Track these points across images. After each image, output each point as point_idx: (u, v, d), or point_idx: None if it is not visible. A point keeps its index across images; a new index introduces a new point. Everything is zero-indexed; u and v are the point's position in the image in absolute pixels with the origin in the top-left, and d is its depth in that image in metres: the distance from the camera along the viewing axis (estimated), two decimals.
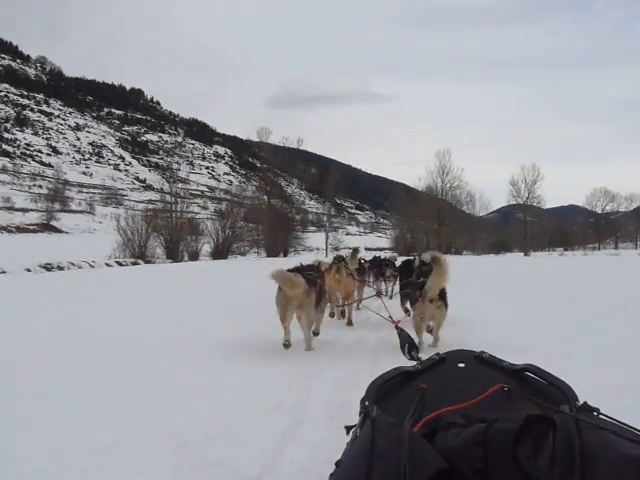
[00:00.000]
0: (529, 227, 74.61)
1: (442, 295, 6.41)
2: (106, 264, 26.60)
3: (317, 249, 56.33)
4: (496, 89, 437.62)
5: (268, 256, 53.57)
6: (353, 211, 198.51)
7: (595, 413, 1.21)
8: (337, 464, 1.19)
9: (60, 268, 22.29)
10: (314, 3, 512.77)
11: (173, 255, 39.45)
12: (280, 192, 73.47)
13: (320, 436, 3.31)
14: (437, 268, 6.33)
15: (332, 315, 8.72)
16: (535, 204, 76.04)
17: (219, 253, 43.95)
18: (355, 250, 10.98)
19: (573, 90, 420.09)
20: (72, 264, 23.45)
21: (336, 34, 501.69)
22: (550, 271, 24.47)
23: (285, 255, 54.76)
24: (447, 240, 70.89)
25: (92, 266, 24.74)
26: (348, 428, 1.46)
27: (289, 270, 6.39)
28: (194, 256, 41.77)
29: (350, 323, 8.40)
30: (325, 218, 78.28)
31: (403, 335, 2.98)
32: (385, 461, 1.00)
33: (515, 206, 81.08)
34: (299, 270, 6.65)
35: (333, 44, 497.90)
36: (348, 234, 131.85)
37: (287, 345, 6.09)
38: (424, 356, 1.89)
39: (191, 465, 3.01)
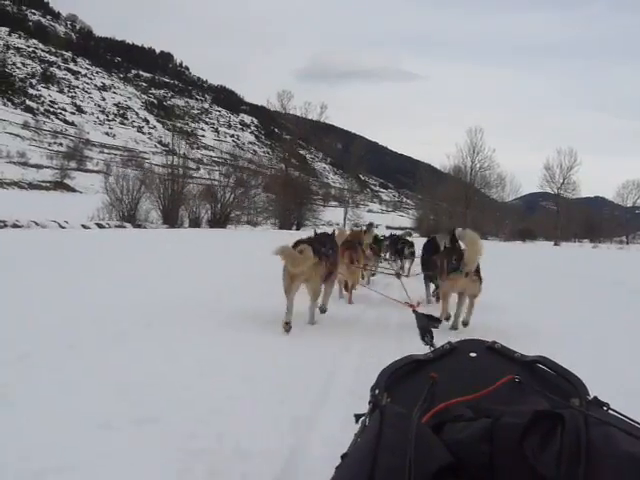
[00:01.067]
0: (561, 216, 70.71)
1: (477, 270, 6.31)
2: (82, 226, 23.90)
3: (336, 224, 54.31)
4: (528, 75, 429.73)
5: (281, 228, 51.92)
6: (377, 189, 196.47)
7: (605, 408, 1.21)
8: (343, 457, 1.16)
9: (17, 226, 19.94)
10: None
11: (170, 220, 37.21)
12: (300, 163, 71.96)
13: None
14: (471, 242, 6.25)
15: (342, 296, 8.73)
16: (570, 191, 71.84)
17: (216, 221, 41.39)
18: (370, 225, 11.08)
19: (604, 80, 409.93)
20: (35, 223, 21.14)
21: (369, 9, 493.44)
22: (596, 265, 22.26)
23: (298, 228, 52.85)
24: (473, 224, 67.67)
25: (62, 227, 22.25)
26: (357, 417, 1.43)
27: (302, 241, 6.33)
28: (196, 222, 39.71)
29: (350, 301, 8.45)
30: (346, 193, 75.70)
31: (421, 318, 2.57)
32: (391, 454, 0.99)
33: (540, 194, 77.61)
34: (311, 241, 6.49)
35: (365, 20, 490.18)
36: (370, 211, 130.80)
37: (287, 328, 5.78)
38: (442, 341, 1.80)
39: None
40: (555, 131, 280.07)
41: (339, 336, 5.81)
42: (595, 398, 1.27)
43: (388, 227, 67.88)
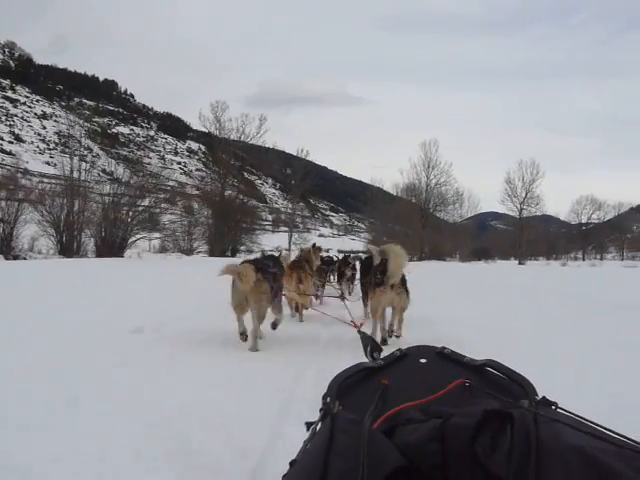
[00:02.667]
0: (524, 233, 69.07)
1: (403, 282, 6.53)
2: None
3: (277, 249, 51.35)
4: (477, 98, 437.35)
5: (211, 255, 48.53)
6: (327, 213, 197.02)
7: (553, 407, 1.26)
8: (291, 464, 1.18)
9: None
10: (294, 5, 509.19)
11: (68, 249, 33.07)
12: (248, 187, 69.64)
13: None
14: (393, 255, 6.31)
15: (293, 315, 9.12)
16: (533, 205, 70.12)
17: (105, 248, 34.71)
18: (314, 246, 11.03)
19: (548, 101, 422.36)
20: None
21: (316, 37, 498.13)
22: (587, 285, 20.95)
23: (233, 255, 49.12)
24: (430, 245, 66.06)
25: None
26: (308, 425, 1.44)
27: (247, 261, 6.50)
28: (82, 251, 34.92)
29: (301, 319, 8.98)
30: (284, 217, 74.71)
31: (366, 337, 2.64)
32: (343, 459, 1.00)
33: (489, 214, 76.93)
34: (255, 261, 6.66)
35: (313, 47, 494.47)
36: (321, 235, 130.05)
37: (244, 339, 6.23)
38: (384, 353, 1.90)
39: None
40: (505, 150, 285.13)
41: (298, 353, 6.12)
42: (544, 398, 1.32)
43: (340, 251, 66.45)
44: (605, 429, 1.06)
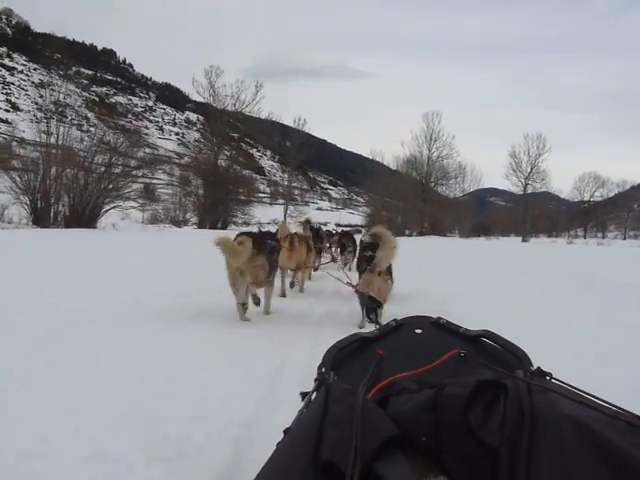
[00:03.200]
0: (528, 209, 66.25)
1: (389, 269, 6.52)
2: None
3: (273, 222, 49.89)
4: (477, 73, 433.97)
5: (200, 227, 46.91)
6: (326, 186, 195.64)
7: (547, 377, 1.27)
8: (285, 432, 1.19)
9: None
10: None
11: (42, 219, 30.22)
12: (246, 160, 67.72)
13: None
14: (384, 243, 6.35)
15: (292, 285, 9.00)
16: (539, 181, 67.05)
17: (74, 219, 30.99)
18: (307, 221, 11.51)
19: (547, 77, 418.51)
20: None
21: (316, 8, 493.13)
22: (602, 264, 19.55)
23: (224, 227, 47.45)
24: (431, 219, 64.20)
25: None
26: (303, 395, 1.46)
27: (244, 233, 6.32)
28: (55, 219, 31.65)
29: (301, 290, 9.07)
30: (281, 190, 71.65)
31: (363, 297, 2.82)
32: (337, 428, 1.01)
33: (488, 190, 75.47)
34: (253, 234, 6.46)
35: (312, 18, 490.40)
36: (319, 209, 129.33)
37: (244, 309, 6.14)
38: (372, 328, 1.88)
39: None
40: (504, 126, 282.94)
41: (293, 327, 6.03)
42: (538, 368, 1.33)
43: (338, 224, 65.82)
44: (599, 399, 1.06)
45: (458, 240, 49.96)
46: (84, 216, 31.56)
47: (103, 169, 33.42)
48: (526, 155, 65.39)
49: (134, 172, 37.54)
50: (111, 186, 33.07)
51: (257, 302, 6.69)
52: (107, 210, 33.76)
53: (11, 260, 11.92)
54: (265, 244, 6.51)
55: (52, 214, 31.36)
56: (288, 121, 65.54)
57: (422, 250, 20.33)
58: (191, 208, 53.42)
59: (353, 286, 6.01)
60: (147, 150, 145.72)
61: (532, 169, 65.67)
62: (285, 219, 54.07)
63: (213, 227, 46.54)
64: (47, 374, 3.98)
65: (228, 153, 57.38)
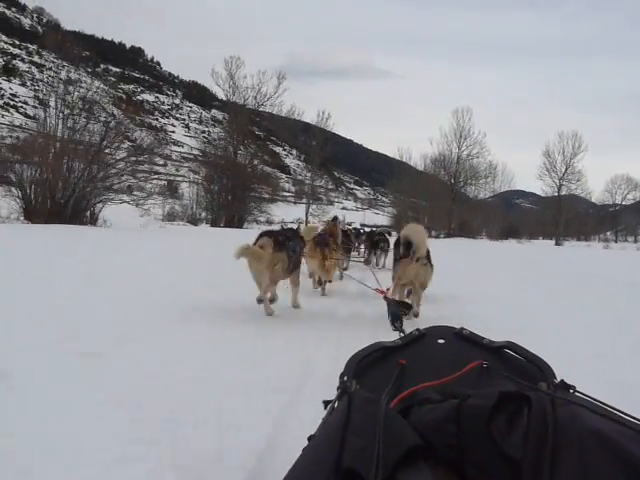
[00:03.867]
0: (563, 212, 62.52)
1: (428, 257, 6.59)
2: None
3: (291, 221, 47.33)
4: (507, 75, 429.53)
5: (214, 225, 45.52)
6: (351, 186, 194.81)
7: (571, 390, 1.25)
8: (309, 438, 1.20)
9: None
10: None
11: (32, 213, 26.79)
12: (272, 158, 65.91)
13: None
14: (413, 230, 6.57)
15: (320, 285, 8.89)
16: (574, 181, 63.64)
17: (52, 213, 26.78)
18: (335, 218, 11.20)
19: (578, 79, 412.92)
20: None
21: (346, 8, 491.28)
22: None
23: (240, 226, 45.60)
24: (459, 221, 61.39)
25: None
26: (326, 403, 1.46)
27: (265, 234, 6.47)
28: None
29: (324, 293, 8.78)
30: (307, 188, 67.07)
31: (391, 305, 2.69)
32: (359, 437, 1.01)
33: (514, 192, 72.57)
34: (274, 234, 6.58)
35: (340, 17, 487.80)
36: (344, 208, 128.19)
37: (268, 304, 6.30)
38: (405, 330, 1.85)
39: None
40: (532, 129, 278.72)
41: (316, 328, 5.88)
42: (562, 381, 1.31)
43: (363, 224, 64.72)
44: (624, 413, 1.04)
45: (488, 243, 47.88)
46: (76, 209, 27.92)
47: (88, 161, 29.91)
48: (561, 154, 63.06)
49: (129, 161, 33.43)
50: (101, 174, 29.33)
51: (296, 306, 7.04)
52: (95, 203, 29.85)
53: None
54: (286, 242, 6.55)
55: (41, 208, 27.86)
56: (313, 119, 62.36)
57: (451, 254, 18.93)
58: (204, 205, 51.37)
59: (382, 292, 5.55)
60: (173, 148, 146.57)
61: (567, 169, 62.91)
62: (307, 218, 52.91)
63: (229, 225, 45.04)
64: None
65: (248, 149, 55.18)
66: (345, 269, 10.68)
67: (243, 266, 6.17)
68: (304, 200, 71.47)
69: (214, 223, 47.17)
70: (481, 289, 9.50)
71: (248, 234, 7.38)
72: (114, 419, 3.08)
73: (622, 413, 1.04)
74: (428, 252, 6.65)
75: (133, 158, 33.97)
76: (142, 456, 2.66)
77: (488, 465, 1.02)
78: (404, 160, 70.10)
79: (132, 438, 2.83)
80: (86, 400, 3.33)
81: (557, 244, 56.06)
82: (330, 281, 8.97)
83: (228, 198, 48.79)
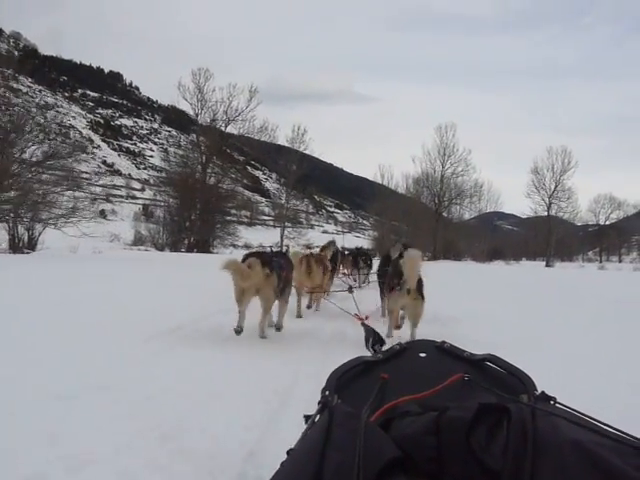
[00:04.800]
0: (553, 232, 60.19)
1: (419, 287, 6.40)
2: None
3: (266, 246, 44.45)
4: (484, 97, 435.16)
5: (161, 249, 42.28)
6: (332, 209, 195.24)
7: (552, 402, 1.27)
8: (288, 452, 1.20)
9: None
10: (300, 2, 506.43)
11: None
12: (253, 182, 63.57)
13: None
14: (408, 258, 6.31)
15: (309, 307, 9.22)
16: (564, 199, 60.48)
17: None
18: (331, 242, 11.58)
19: (554, 102, 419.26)
20: None
21: (323, 34, 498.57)
22: None
23: (206, 250, 42.19)
24: (444, 242, 59.13)
25: None
26: (307, 417, 1.44)
27: (252, 254, 6.45)
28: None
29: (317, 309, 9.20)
30: (283, 210, 60.91)
31: (369, 330, 2.67)
32: (340, 451, 1.01)
33: (494, 213, 70.53)
34: (261, 255, 6.56)
35: (319, 44, 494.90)
36: (325, 232, 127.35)
37: (239, 331, 6.03)
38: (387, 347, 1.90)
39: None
40: (513, 151, 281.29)
41: (299, 347, 5.98)
42: (542, 393, 1.33)
43: (344, 248, 63.31)
44: (604, 424, 1.05)
45: (475, 265, 45.44)
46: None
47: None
48: (550, 171, 60.19)
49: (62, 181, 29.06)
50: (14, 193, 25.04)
51: (279, 328, 6.75)
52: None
53: None
54: (274, 263, 6.43)
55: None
56: (288, 136, 56.80)
57: (442, 278, 17.07)
58: (168, 228, 46.86)
59: (360, 318, 5.84)
60: (151, 172, 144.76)
61: (556, 186, 60.10)
62: (282, 241, 49.55)
63: (190, 249, 42.66)
64: None
65: (215, 169, 51.07)
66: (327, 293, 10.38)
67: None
68: (287, 224, 69.14)
69: (174, 247, 43.72)
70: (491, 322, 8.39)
71: (212, 262, 7.18)
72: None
73: (602, 424, 1.04)
74: (421, 282, 6.47)
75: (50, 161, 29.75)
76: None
77: (468, 477, 1.01)
78: (385, 183, 66.83)
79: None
80: None
81: (548, 265, 54.38)
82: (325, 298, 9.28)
83: (191, 218, 46.30)
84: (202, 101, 49.38)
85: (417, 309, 6.39)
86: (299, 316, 8.48)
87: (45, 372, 4.51)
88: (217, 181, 48.88)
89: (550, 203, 60.49)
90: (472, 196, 63.36)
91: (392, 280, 6.72)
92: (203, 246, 43.77)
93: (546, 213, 61.40)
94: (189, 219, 45.58)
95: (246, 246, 48.41)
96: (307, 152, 57.55)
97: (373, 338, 2.34)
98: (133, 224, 40.26)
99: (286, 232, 54.38)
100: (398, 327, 6.80)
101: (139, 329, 6.39)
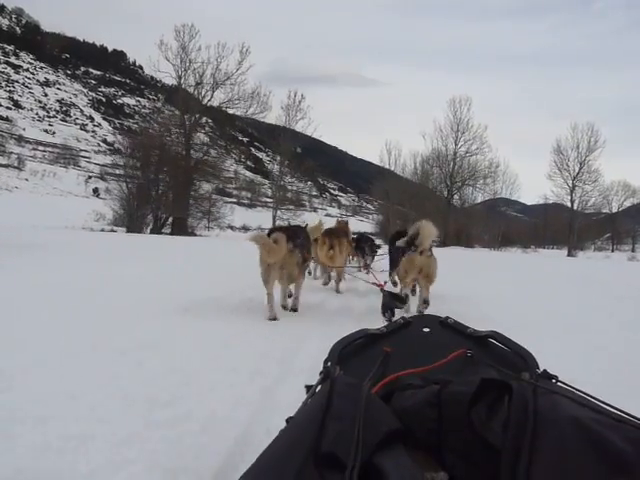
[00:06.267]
0: (576, 218, 54.84)
1: (431, 249, 6.52)
2: None
3: (260, 228, 39.99)
4: (490, 83, 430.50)
5: (130, 230, 36.07)
6: (336, 193, 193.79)
7: (553, 380, 1.28)
8: (288, 420, 1.21)
9: None
10: None
11: None
12: (256, 164, 60.63)
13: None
14: (423, 224, 6.36)
15: (326, 283, 9.08)
16: (590, 182, 53.83)
17: None
18: (345, 222, 11.04)
19: (562, 89, 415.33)
20: None
21: (331, 18, 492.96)
22: None
23: (182, 232, 37.13)
24: (456, 227, 54.58)
25: None
26: (308, 387, 1.45)
27: (276, 229, 6.51)
28: None
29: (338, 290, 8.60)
30: (273, 190, 55.96)
31: (386, 297, 2.85)
32: (339, 421, 1.01)
33: (499, 200, 66.09)
34: (285, 230, 6.46)
35: (326, 27, 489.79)
36: (328, 215, 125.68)
37: (273, 318, 5.84)
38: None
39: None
40: (518, 137, 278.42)
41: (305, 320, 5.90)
42: (544, 371, 1.34)
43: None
44: (605, 403, 1.05)
45: (490, 253, 41.19)
46: None
47: None
48: (574, 151, 52.98)
49: None
50: None
51: (294, 308, 6.48)
52: None
53: None
54: (297, 239, 6.31)
55: None
56: (283, 101, 50.43)
57: (459, 271, 14.09)
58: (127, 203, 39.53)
59: (380, 285, 6.22)
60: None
61: (581, 167, 53.03)
62: (274, 224, 43.31)
63: (158, 231, 37.78)
64: None
65: (203, 142, 46.54)
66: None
67: None
68: (291, 206, 65.44)
69: (131, 229, 36.97)
70: None
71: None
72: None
73: (603, 403, 1.04)
74: (431, 248, 6.53)
75: None
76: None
77: (467, 451, 1.03)
78: (392, 162, 61.00)
79: None
80: None
81: (570, 255, 48.60)
82: (338, 279, 8.88)
83: (158, 191, 40.24)
84: (186, 61, 44.11)
85: (430, 268, 6.35)
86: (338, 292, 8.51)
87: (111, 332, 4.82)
88: (203, 154, 44.46)
89: (574, 186, 53.87)
90: (486, 177, 58.12)
91: (404, 246, 6.66)
92: (180, 227, 38.77)
93: (569, 197, 55.08)
94: (156, 191, 40.17)
95: (244, 228, 46.27)
96: (304, 130, 52.24)
97: (389, 302, 2.27)
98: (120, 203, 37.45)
99: (278, 213, 49.04)
100: (412, 291, 6.91)
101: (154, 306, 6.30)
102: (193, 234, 38.74)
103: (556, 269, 20.44)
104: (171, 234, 36.37)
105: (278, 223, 43.40)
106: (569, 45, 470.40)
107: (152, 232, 37.18)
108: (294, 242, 6.15)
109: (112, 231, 35.61)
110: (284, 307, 6.28)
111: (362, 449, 0.88)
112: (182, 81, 45.33)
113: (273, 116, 49.89)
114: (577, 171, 53.13)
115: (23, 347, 4.18)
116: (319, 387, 1.33)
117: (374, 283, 6.68)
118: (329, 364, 1.48)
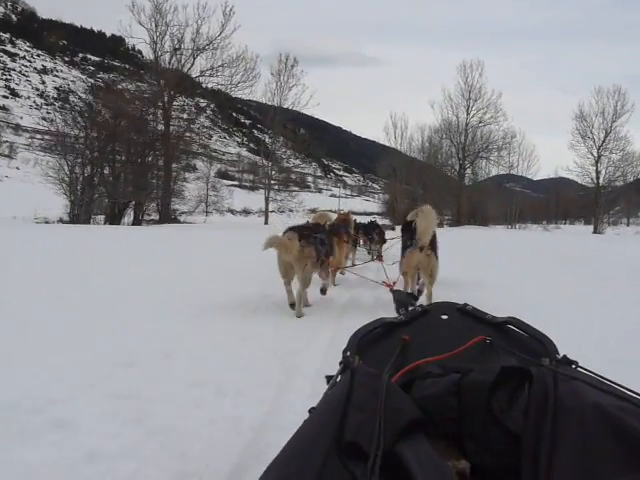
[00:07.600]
0: (603, 194, 49.73)
1: (433, 246, 6.46)
2: None
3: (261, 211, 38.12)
4: (492, 58, 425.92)
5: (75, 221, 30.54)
6: (341, 173, 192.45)
7: (573, 366, 1.26)
8: (310, 411, 1.20)
9: None
10: None
11: None
12: (259, 145, 56.67)
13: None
14: (420, 215, 6.26)
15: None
16: (617, 151, 49.05)
17: None
18: (348, 213, 11.44)
19: (566, 62, 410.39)
20: None
21: None
22: None
23: (162, 220, 33.25)
24: (470, 205, 51.20)
25: None
26: (328, 378, 1.47)
27: (290, 228, 6.59)
28: None
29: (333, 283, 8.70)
30: (295, 175, 54.40)
31: (398, 294, 2.64)
32: (361, 411, 1.02)
33: (504, 176, 62.18)
34: (300, 228, 6.69)
35: (327, 6, 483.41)
36: (333, 196, 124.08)
37: (293, 304, 6.36)
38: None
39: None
40: (522, 112, 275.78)
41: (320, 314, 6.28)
42: (564, 357, 1.32)
43: (353, 213, 59.69)
44: (626, 389, 1.05)
45: (509, 232, 38.24)
46: None
47: None
48: (599, 116, 48.29)
49: None
50: None
51: (323, 292, 7.19)
52: None
53: None
54: (312, 236, 6.53)
55: None
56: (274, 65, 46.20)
57: (473, 256, 13.36)
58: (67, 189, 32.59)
59: (389, 285, 6.04)
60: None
61: (607, 135, 48.30)
62: (267, 207, 43.27)
63: (116, 220, 33.11)
64: None
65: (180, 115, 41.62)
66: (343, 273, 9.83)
67: None
68: (294, 188, 63.45)
69: (75, 219, 31.51)
70: None
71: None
72: None
73: (624, 389, 1.04)
74: (434, 238, 6.46)
75: None
76: None
77: (488, 439, 1.04)
78: (398, 135, 58.69)
79: None
80: None
81: (596, 232, 44.94)
82: (342, 273, 9.24)
83: (116, 174, 35.01)
84: (161, 25, 39.65)
85: (430, 266, 6.34)
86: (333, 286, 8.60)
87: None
88: (184, 130, 40.90)
89: (599, 155, 49.01)
90: (501, 149, 54.17)
91: (405, 240, 6.76)
92: (164, 215, 34.39)
93: (594, 167, 50.42)
94: (111, 169, 34.87)
95: (245, 211, 44.79)
96: (297, 98, 47.40)
97: (401, 300, 2.10)
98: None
99: (271, 194, 45.66)
100: (420, 292, 6.72)
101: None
102: (177, 221, 35.27)
103: (595, 252, 17.61)
104: (159, 222, 33.27)
105: (271, 205, 42.07)
106: (563, 19, 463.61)
107: (110, 222, 32.92)
108: (307, 240, 6.36)
109: (46, 223, 30.92)
110: (299, 316, 6.28)
111: (384, 439, 0.89)
112: (158, 47, 41.52)
113: (264, 94, 45.00)
114: (602, 139, 48.67)
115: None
116: (339, 377, 1.31)
117: (383, 282, 6.49)
118: (348, 354, 1.46)
